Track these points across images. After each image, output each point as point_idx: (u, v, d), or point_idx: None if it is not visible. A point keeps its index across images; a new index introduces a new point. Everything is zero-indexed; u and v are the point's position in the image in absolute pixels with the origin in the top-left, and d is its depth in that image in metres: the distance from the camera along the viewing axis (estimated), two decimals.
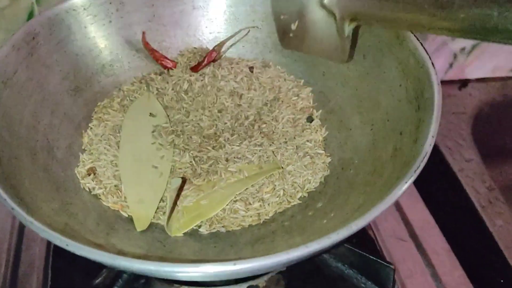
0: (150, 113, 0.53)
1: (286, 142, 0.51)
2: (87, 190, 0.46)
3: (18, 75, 0.45)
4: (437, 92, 0.40)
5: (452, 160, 0.75)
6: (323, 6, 0.42)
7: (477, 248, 0.64)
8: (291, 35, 0.48)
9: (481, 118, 0.81)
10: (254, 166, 0.49)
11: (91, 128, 0.51)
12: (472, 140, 0.79)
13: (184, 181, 0.47)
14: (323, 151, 0.50)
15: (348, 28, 0.42)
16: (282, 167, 0.48)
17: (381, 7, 0.38)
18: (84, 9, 0.52)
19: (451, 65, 0.84)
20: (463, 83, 0.84)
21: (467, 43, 0.82)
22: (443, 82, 0.82)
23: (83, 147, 0.50)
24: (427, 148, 0.36)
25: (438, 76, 0.41)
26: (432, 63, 0.42)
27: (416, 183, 0.61)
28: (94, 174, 0.47)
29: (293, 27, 0.47)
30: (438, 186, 0.73)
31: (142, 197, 0.46)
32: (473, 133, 0.80)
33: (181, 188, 0.46)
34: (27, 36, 0.47)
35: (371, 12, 0.40)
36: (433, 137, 0.37)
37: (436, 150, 0.76)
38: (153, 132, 0.51)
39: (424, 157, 0.36)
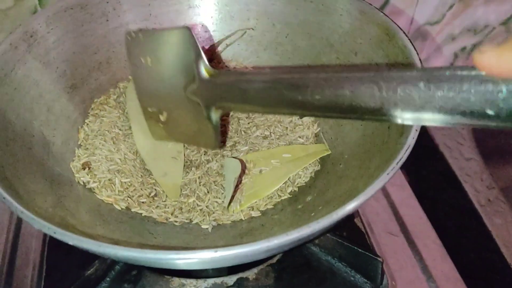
0: None
1: (278, 138, 0.51)
2: (82, 184, 0.47)
3: (15, 72, 0.46)
4: None
5: (451, 159, 0.76)
6: (188, 98, 0.43)
7: (473, 246, 0.64)
8: (161, 125, 0.48)
9: None
10: (301, 148, 0.51)
11: (87, 124, 0.52)
12: (472, 139, 0.79)
13: (244, 165, 0.49)
14: None
15: (215, 116, 0.43)
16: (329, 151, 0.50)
17: (243, 98, 0.38)
18: (82, 8, 0.53)
19: (452, 65, 0.84)
20: None
21: (468, 42, 0.82)
22: None
23: (79, 143, 0.51)
24: (410, 141, 0.37)
25: None
26: (420, 59, 0.43)
27: (415, 181, 0.62)
28: (89, 168, 0.48)
29: (162, 118, 0.47)
30: (438, 184, 0.73)
31: (165, 170, 0.48)
32: (473, 132, 0.80)
33: (242, 172, 0.48)
34: (25, 34, 0.48)
35: (234, 102, 0.40)
36: (416, 130, 0.37)
37: (435, 149, 0.77)
38: None
39: (406, 150, 0.36)
